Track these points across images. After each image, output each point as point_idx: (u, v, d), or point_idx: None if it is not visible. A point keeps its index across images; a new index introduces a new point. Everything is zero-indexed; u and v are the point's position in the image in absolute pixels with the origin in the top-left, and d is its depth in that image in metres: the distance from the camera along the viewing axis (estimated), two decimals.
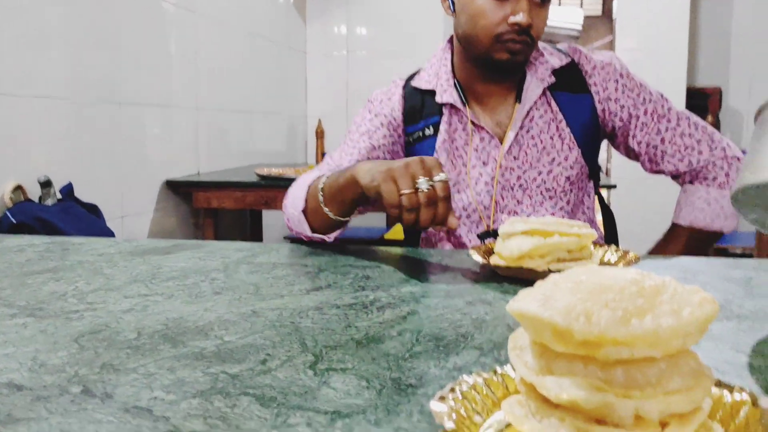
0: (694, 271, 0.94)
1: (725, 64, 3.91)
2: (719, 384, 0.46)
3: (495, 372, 0.48)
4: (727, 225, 1.22)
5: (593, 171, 1.28)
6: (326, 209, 1.04)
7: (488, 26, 1.13)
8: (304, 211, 1.10)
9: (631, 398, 0.38)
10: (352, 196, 0.99)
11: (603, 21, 6.86)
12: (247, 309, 0.75)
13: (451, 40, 1.29)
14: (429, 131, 1.25)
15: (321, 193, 1.04)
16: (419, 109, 1.26)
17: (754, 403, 0.43)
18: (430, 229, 1.11)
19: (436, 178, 0.86)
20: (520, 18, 1.11)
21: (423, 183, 0.85)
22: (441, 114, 1.24)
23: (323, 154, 3.43)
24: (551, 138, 1.22)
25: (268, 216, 3.12)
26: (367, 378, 0.54)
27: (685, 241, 1.22)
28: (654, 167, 1.26)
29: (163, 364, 0.58)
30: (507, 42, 1.14)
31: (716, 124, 3.67)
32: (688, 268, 0.96)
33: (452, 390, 0.46)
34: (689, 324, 0.39)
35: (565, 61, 1.24)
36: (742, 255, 3.40)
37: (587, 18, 6.77)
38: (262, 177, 2.25)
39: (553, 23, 5.13)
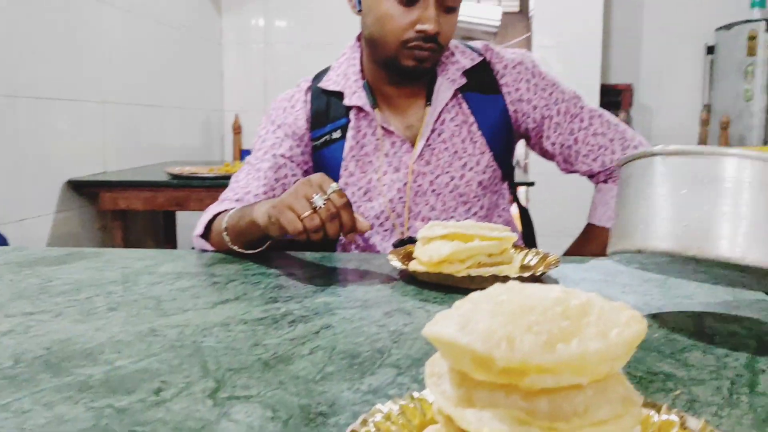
0: (614, 273, 0.93)
1: (636, 61, 4.05)
2: (647, 404, 0.43)
3: (412, 398, 0.44)
4: None
5: (507, 173, 1.26)
6: (235, 247, 1.03)
7: (395, 31, 1.09)
8: (205, 236, 1.10)
9: (557, 431, 0.35)
10: (258, 236, 0.98)
11: (520, 18, 6.99)
12: (145, 327, 0.68)
13: (360, 38, 1.24)
14: (336, 134, 1.19)
15: (225, 232, 1.03)
16: (325, 112, 1.21)
17: (683, 425, 0.41)
18: (344, 239, 1.07)
19: (329, 190, 0.85)
20: (428, 26, 1.07)
21: (318, 200, 0.84)
22: (348, 116, 1.20)
23: (241, 151, 3.32)
24: (463, 141, 1.19)
25: (182, 217, 3.00)
26: (273, 406, 0.49)
27: (601, 241, 1.22)
28: (569, 167, 1.25)
29: (41, 399, 0.51)
30: (414, 49, 1.09)
31: (628, 120, 3.79)
32: (608, 270, 0.95)
33: (364, 422, 0.41)
34: (617, 346, 0.36)
35: (476, 60, 1.21)
36: None
37: (505, 15, 6.87)
38: (174, 176, 2.14)
39: (471, 20, 5.17)
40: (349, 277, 0.92)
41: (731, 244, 0.55)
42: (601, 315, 0.38)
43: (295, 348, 0.62)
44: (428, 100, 1.18)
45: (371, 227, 0.91)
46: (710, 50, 3.92)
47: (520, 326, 0.36)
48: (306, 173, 1.22)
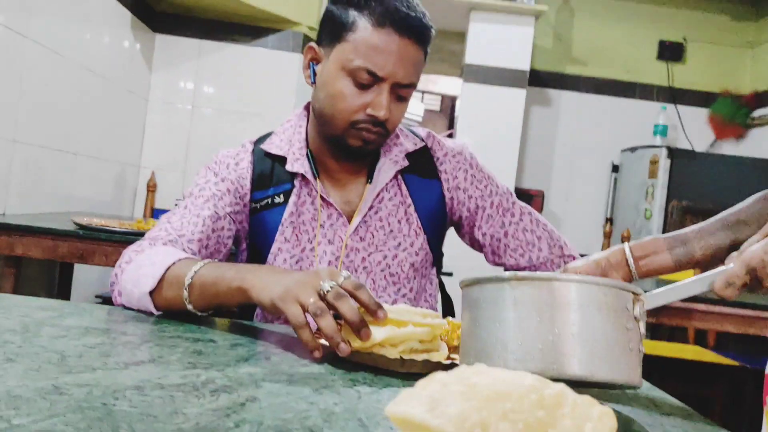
0: None
1: (549, 170, 4.28)
2: None
3: None
4: None
5: (437, 258, 1.27)
6: (190, 306, 0.95)
7: (345, 111, 1.10)
8: (152, 293, 0.97)
9: None
10: (235, 303, 0.93)
11: (440, 116, 7.32)
12: (48, 383, 0.61)
13: (308, 108, 1.25)
14: (279, 199, 1.18)
15: (186, 289, 0.94)
16: (269, 175, 1.19)
17: None
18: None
19: (340, 279, 0.82)
20: (380, 113, 1.08)
21: (325, 286, 0.81)
22: (292, 183, 1.18)
23: (153, 210, 3.20)
24: (399, 222, 1.20)
25: (81, 272, 2.82)
26: None
27: None
28: (497, 260, 1.27)
29: None
30: (362, 131, 1.11)
31: None
32: None
33: None
34: None
35: (419, 145, 1.24)
36: None
37: (427, 111, 7.18)
38: (81, 226, 2.01)
39: None
40: (273, 349, 0.87)
41: (581, 363, 0.62)
42: (575, 407, 0.36)
43: (219, 420, 0.57)
44: (369, 178, 1.19)
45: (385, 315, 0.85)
46: (615, 168, 4.20)
47: (495, 412, 0.34)
48: (239, 232, 1.19)
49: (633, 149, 3.99)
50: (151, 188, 3.22)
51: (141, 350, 0.78)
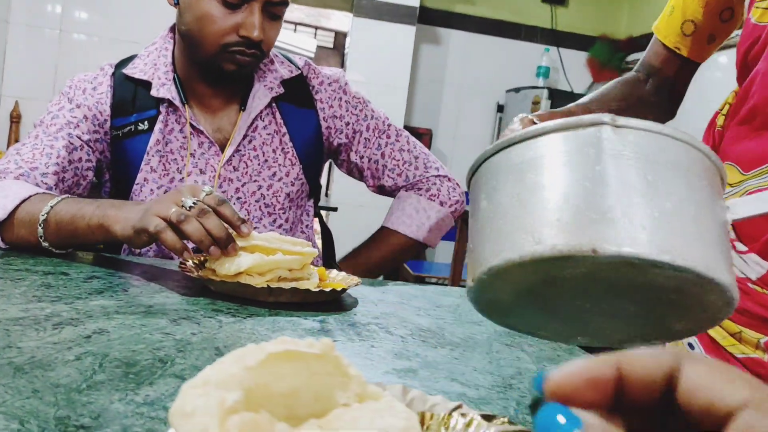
0: (410, 296, 0.94)
1: (437, 110, 4.31)
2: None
3: None
4: (431, 238, 1.23)
5: (314, 190, 1.24)
6: (46, 244, 0.89)
7: (215, 33, 1.03)
8: (1, 226, 0.92)
9: None
10: (96, 241, 0.87)
11: (334, 54, 7.18)
12: None
13: (174, 29, 1.16)
14: (143, 126, 1.10)
15: (41, 226, 0.88)
16: (131, 101, 1.11)
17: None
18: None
19: (202, 194, 0.80)
20: (253, 34, 1.02)
21: (188, 201, 0.78)
22: (158, 109, 1.11)
23: (18, 141, 2.96)
24: (274, 151, 1.16)
25: None
26: (22, 418, 0.41)
27: (389, 245, 1.23)
28: (376, 182, 1.26)
29: None
30: (235, 54, 1.05)
31: None
32: (404, 293, 0.96)
33: None
34: None
35: (294, 72, 1.20)
36: (437, 284, 3.74)
37: (319, 48, 7.02)
38: None
39: (287, 46, 5.18)
40: (134, 282, 0.83)
41: (704, 258, 0.40)
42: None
43: (58, 353, 0.53)
44: (243, 105, 1.13)
45: (252, 227, 0.81)
46: (500, 108, 4.30)
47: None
48: (100, 162, 1.11)
49: (517, 90, 4.09)
50: (15, 119, 2.97)
51: None
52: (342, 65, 6.57)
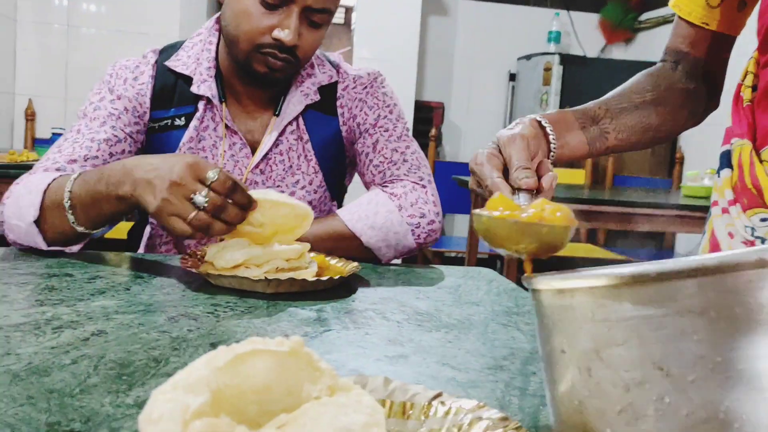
0: (412, 278, 0.95)
1: (448, 82, 4.28)
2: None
3: None
4: (371, 237, 1.02)
5: (336, 195, 1.21)
6: (81, 229, 0.89)
7: (250, 32, 1.00)
8: (38, 222, 0.90)
9: None
10: (113, 210, 0.87)
11: (345, 30, 7.12)
12: None
13: (219, 22, 1.13)
14: (180, 122, 1.09)
15: (69, 200, 0.87)
16: (171, 95, 1.10)
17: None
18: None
19: (208, 181, 0.79)
20: (285, 36, 0.99)
21: (199, 199, 0.78)
22: (196, 106, 1.10)
23: (34, 140, 3.01)
24: (298, 158, 1.13)
25: None
26: (13, 426, 0.42)
27: (327, 226, 1.04)
28: (361, 177, 1.19)
29: None
30: (267, 56, 1.02)
31: (439, 136, 3.99)
32: (406, 276, 0.97)
33: None
34: None
35: (333, 78, 1.15)
36: (455, 258, 3.74)
37: (332, 25, 6.98)
38: None
39: None
40: (135, 279, 0.85)
41: None
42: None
43: (55, 358, 0.55)
44: (277, 109, 1.11)
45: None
46: (512, 77, 4.25)
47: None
48: (139, 153, 1.11)
49: (528, 57, 4.04)
50: (30, 117, 3.01)
51: None
52: (350, 42, 6.51)
